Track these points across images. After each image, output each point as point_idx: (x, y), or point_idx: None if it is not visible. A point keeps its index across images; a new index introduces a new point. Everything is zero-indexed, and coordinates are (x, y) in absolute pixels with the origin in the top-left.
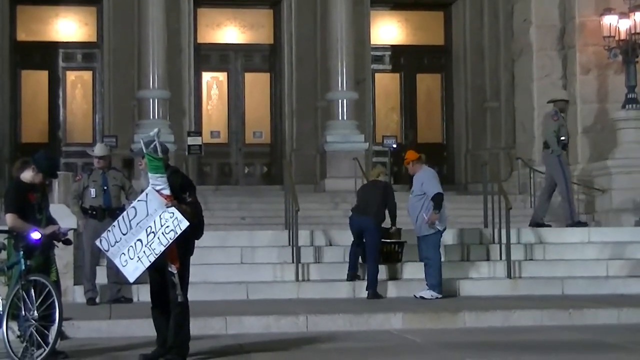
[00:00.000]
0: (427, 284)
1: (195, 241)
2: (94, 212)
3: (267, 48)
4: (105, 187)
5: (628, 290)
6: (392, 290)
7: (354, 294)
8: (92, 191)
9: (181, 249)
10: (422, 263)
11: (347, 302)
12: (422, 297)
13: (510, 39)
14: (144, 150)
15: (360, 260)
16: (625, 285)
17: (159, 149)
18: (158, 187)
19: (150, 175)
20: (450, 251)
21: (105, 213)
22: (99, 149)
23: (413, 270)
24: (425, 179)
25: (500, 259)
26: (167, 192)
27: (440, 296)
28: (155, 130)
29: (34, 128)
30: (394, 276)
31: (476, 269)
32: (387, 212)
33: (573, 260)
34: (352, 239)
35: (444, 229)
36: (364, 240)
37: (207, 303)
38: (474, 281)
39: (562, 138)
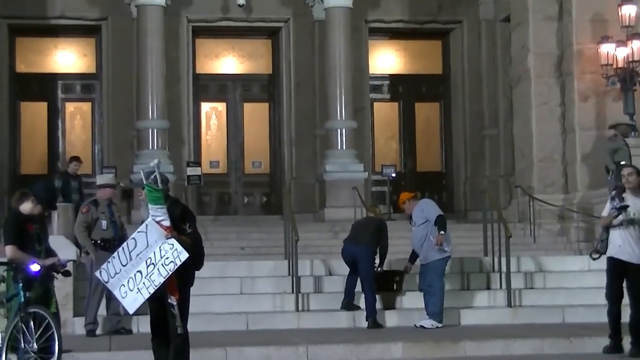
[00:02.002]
0: (427, 313)
1: (196, 272)
2: (107, 244)
3: (265, 78)
4: (113, 219)
5: (628, 319)
6: (392, 319)
7: (354, 323)
8: (104, 223)
9: (181, 279)
10: (422, 292)
11: (347, 331)
12: (422, 327)
13: (508, 66)
14: (144, 181)
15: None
16: (625, 314)
17: (159, 180)
18: (158, 218)
19: (150, 206)
20: (450, 280)
21: (116, 244)
22: (109, 178)
23: (413, 299)
24: (424, 206)
25: (501, 287)
26: (167, 223)
27: (440, 325)
28: (156, 161)
29: (33, 159)
30: (394, 305)
31: (476, 298)
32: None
33: (573, 288)
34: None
35: (450, 257)
36: (359, 269)
37: (207, 333)
38: (474, 310)
39: (622, 162)
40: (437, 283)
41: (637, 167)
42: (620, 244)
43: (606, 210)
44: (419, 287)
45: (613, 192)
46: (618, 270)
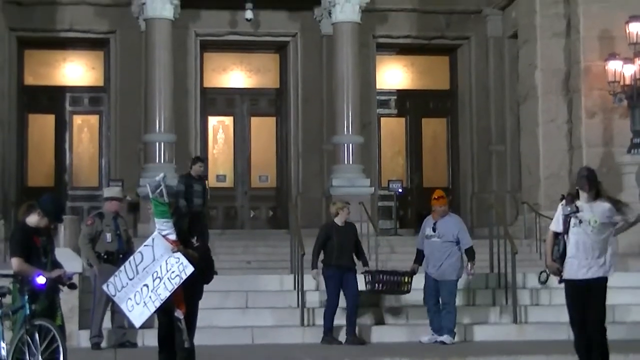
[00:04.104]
0: (443, 329)
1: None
2: (111, 257)
3: (273, 92)
4: (118, 232)
5: (634, 336)
6: (398, 335)
7: None
8: (108, 236)
9: (189, 293)
10: (426, 307)
11: (352, 346)
12: (442, 342)
13: (516, 83)
14: (150, 195)
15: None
16: (632, 331)
17: (165, 194)
18: (164, 232)
19: (156, 219)
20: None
21: (120, 258)
22: (116, 192)
23: (418, 314)
24: (461, 228)
25: (506, 303)
26: (173, 236)
27: (455, 340)
28: (161, 174)
29: (40, 171)
30: (399, 321)
31: (482, 314)
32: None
33: None
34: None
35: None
36: None
37: (212, 348)
38: (480, 326)
39: None
40: (453, 301)
41: (593, 172)
42: (579, 261)
43: (556, 220)
44: (425, 301)
45: (563, 201)
46: (578, 292)
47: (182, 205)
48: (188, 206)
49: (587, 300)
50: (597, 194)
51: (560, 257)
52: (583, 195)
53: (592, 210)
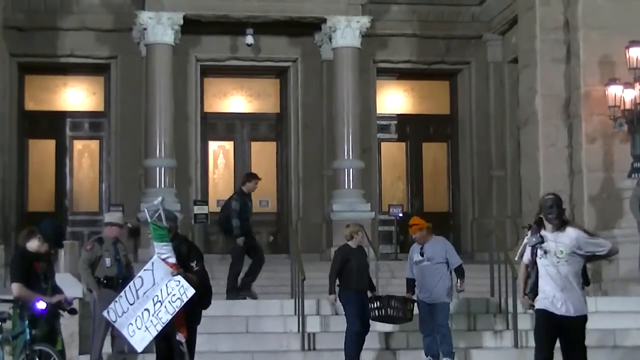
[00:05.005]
0: (428, 355)
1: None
2: (110, 282)
3: (273, 117)
4: (118, 257)
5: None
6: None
7: None
8: (107, 261)
9: (188, 317)
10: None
11: None
12: None
13: (516, 107)
14: (149, 219)
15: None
16: (633, 356)
17: (163, 217)
18: (163, 256)
19: (155, 243)
20: (456, 320)
21: (120, 282)
22: (117, 217)
23: (419, 339)
24: (448, 248)
25: (507, 328)
26: (172, 260)
27: None
28: (160, 198)
29: (40, 197)
30: (399, 345)
31: (483, 339)
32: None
33: None
34: None
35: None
36: None
37: None
38: (480, 351)
39: None
40: (448, 323)
41: (559, 199)
42: (554, 294)
43: (522, 251)
44: (422, 328)
45: (529, 232)
46: (552, 326)
47: (236, 225)
48: (243, 224)
49: (565, 343)
50: (563, 222)
51: (532, 290)
52: (548, 225)
53: (558, 240)
